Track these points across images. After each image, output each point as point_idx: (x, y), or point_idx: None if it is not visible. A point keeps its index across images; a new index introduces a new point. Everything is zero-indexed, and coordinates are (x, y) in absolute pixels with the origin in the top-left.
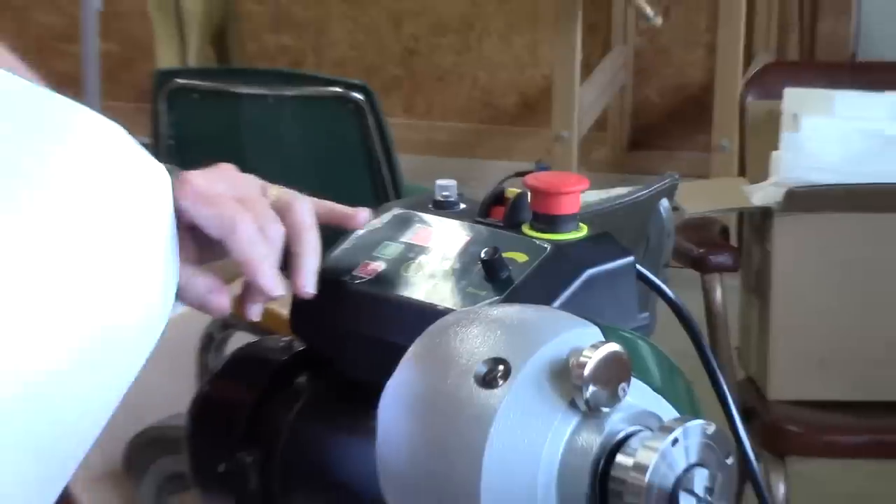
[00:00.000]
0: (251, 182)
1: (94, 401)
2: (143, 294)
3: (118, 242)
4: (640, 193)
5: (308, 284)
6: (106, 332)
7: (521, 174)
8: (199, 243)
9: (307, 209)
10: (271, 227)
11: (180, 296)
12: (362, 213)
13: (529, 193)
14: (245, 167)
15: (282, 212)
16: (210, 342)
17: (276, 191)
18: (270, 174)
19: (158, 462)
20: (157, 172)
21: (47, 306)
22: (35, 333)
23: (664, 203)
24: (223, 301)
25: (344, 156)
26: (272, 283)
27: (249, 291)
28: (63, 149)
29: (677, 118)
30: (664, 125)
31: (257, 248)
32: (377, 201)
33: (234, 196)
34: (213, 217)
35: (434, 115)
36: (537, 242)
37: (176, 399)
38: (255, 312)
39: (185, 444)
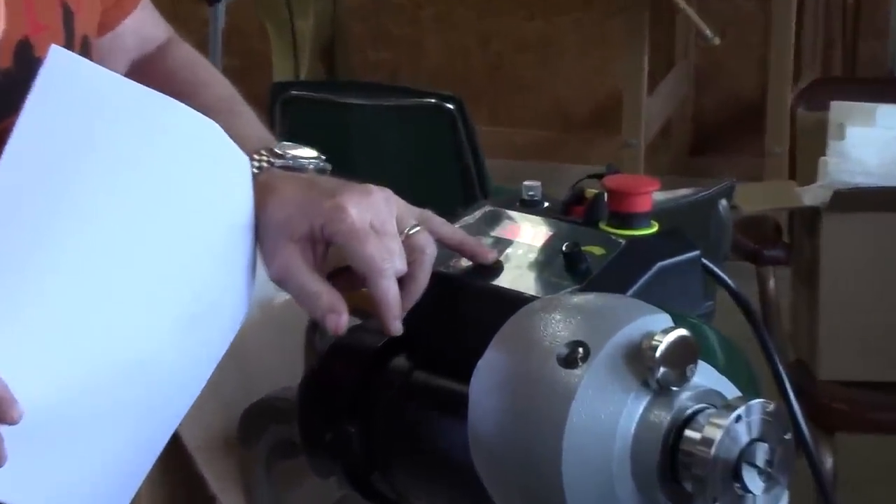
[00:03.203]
0: (391, 215)
1: (189, 367)
2: (224, 278)
3: (202, 230)
4: (701, 194)
5: (394, 329)
6: (201, 308)
7: (595, 176)
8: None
9: (429, 261)
10: (398, 268)
11: (302, 304)
12: (491, 254)
13: (606, 194)
14: (350, 170)
15: (411, 252)
16: (317, 323)
17: (415, 219)
18: (372, 176)
19: (269, 430)
20: (242, 164)
21: (142, 289)
22: (133, 315)
23: (723, 203)
24: (339, 323)
25: (437, 159)
26: (394, 327)
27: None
28: (163, 141)
29: (734, 126)
30: (722, 133)
31: (392, 294)
32: (466, 201)
33: (376, 229)
34: (362, 257)
35: (516, 123)
36: (613, 238)
37: (286, 374)
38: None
39: (296, 415)
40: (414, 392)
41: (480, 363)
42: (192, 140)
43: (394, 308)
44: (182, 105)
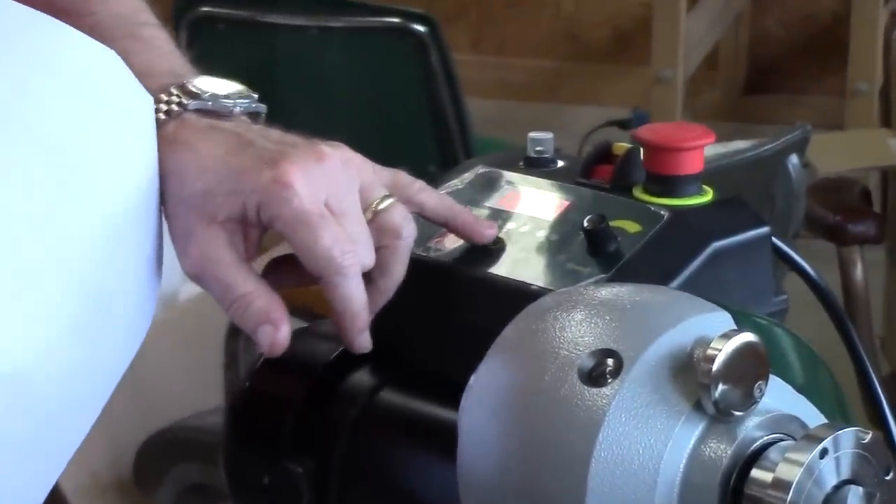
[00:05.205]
0: (353, 186)
1: (82, 385)
2: (129, 254)
3: (100, 189)
4: (763, 148)
5: (360, 345)
6: (91, 301)
7: (616, 124)
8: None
9: (406, 248)
10: (365, 261)
11: (226, 310)
12: (490, 230)
13: (642, 149)
14: (282, 114)
15: (381, 235)
16: (240, 328)
17: (386, 188)
18: (312, 124)
19: (176, 470)
20: (145, 109)
21: (24, 270)
22: (11, 304)
23: (793, 159)
24: (276, 340)
25: (401, 100)
26: (361, 344)
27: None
28: (47, 77)
29: (805, 55)
30: (788, 64)
31: (356, 301)
32: (442, 156)
33: (333, 210)
34: (315, 251)
35: (508, 50)
36: (652, 209)
37: (198, 396)
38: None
39: (221, 450)
40: (381, 418)
41: (474, 379)
42: (79, 76)
43: (360, 318)
44: (63, 25)
